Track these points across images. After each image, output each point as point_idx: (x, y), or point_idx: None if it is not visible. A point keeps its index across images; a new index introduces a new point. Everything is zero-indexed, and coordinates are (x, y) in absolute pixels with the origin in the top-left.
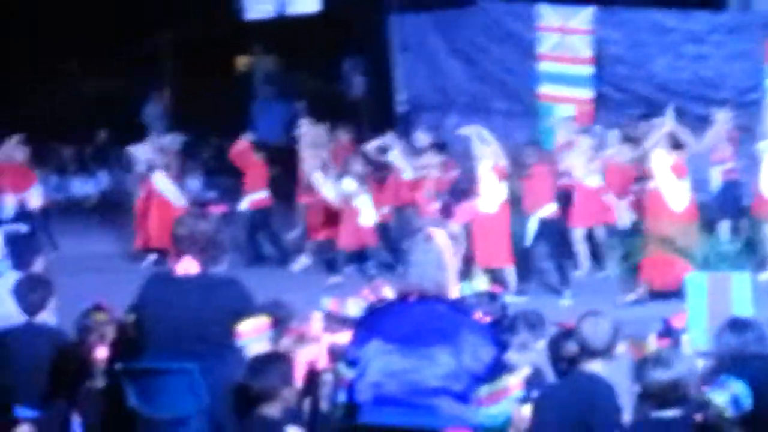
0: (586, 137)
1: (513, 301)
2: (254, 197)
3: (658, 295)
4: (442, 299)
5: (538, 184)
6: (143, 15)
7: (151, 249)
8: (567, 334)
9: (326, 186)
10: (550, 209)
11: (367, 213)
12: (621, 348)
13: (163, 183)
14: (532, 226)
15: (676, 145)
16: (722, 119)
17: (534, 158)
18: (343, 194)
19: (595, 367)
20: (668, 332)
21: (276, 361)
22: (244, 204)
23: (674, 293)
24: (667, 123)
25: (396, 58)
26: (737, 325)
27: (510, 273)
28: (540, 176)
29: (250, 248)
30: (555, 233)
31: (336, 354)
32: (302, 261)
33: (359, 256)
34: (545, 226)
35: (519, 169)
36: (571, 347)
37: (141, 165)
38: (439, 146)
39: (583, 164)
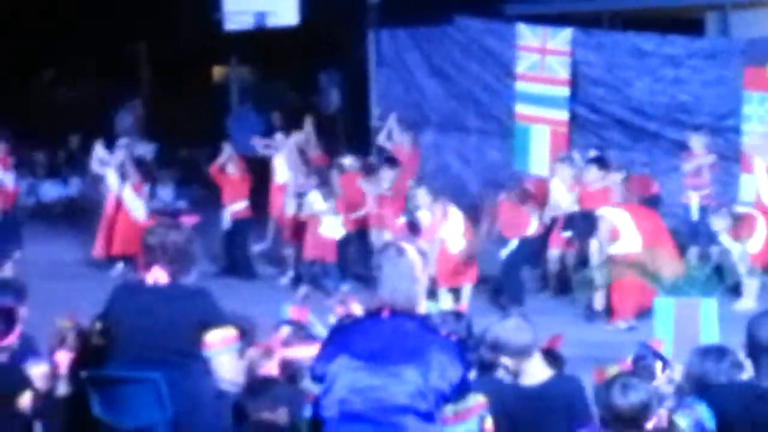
0: (565, 166)
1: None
2: (235, 207)
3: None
4: (411, 316)
5: (511, 215)
6: (120, 23)
7: (109, 257)
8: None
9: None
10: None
11: (330, 226)
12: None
13: (129, 196)
14: (511, 246)
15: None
16: (698, 145)
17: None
18: (309, 207)
19: (535, 369)
20: (646, 357)
21: (271, 385)
22: (227, 216)
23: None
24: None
25: (373, 73)
26: (715, 352)
27: (467, 290)
28: (511, 210)
29: (227, 259)
30: (529, 252)
31: (290, 369)
32: (289, 275)
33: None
34: (524, 244)
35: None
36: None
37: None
38: (391, 160)
39: (564, 194)
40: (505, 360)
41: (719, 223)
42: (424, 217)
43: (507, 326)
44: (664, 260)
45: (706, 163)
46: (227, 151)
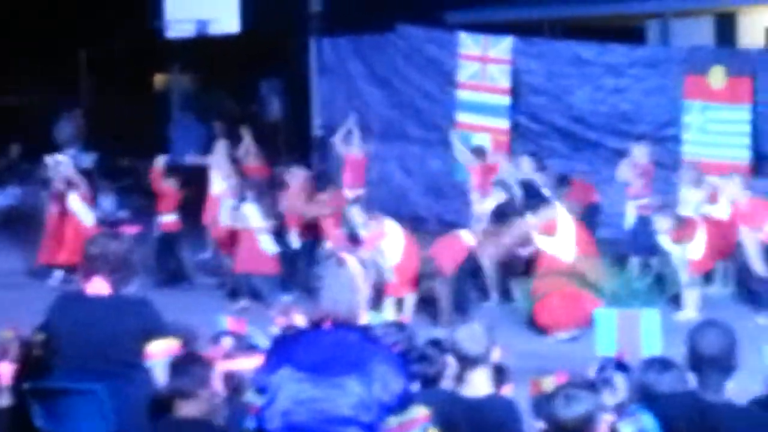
0: (500, 191)
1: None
2: (165, 219)
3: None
4: (354, 328)
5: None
6: (60, 30)
7: (53, 266)
8: (435, 343)
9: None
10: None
11: (266, 240)
12: (496, 354)
13: (76, 204)
14: None
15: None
16: (639, 153)
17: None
18: (243, 218)
19: (479, 381)
20: (606, 368)
21: (192, 363)
22: (156, 226)
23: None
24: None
25: (315, 82)
26: (658, 363)
27: (410, 299)
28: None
29: (160, 270)
30: (469, 265)
31: (232, 381)
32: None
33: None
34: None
35: None
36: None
37: (57, 178)
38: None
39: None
40: (451, 362)
41: (662, 223)
42: (362, 233)
43: (463, 332)
44: (599, 270)
45: (635, 172)
46: (160, 161)
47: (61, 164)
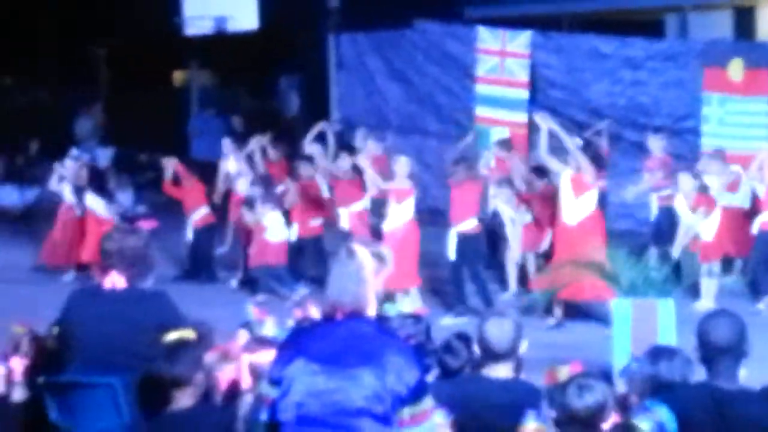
0: (504, 189)
1: (452, 322)
2: (197, 216)
3: (577, 319)
4: (367, 319)
5: (463, 196)
6: (79, 26)
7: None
8: (462, 337)
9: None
10: (470, 224)
11: (275, 230)
12: (523, 347)
13: (93, 201)
14: (452, 239)
15: (588, 162)
16: (656, 147)
17: (464, 172)
18: (252, 216)
19: (501, 370)
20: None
21: (187, 347)
22: (189, 226)
23: (595, 317)
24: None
25: (333, 78)
26: (666, 352)
27: (415, 293)
28: (466, 189)
29: (190, 265)
30: (472, 250)
31: (257, 374)
32: (239, 277)
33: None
34: (465, 242)
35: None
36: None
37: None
38: (350, 149)
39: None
40: (476, 351)
41: (686, 183)
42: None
43: (492, 326)
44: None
45: (654, 165)
46: (169, 165)
47: (66, 169)
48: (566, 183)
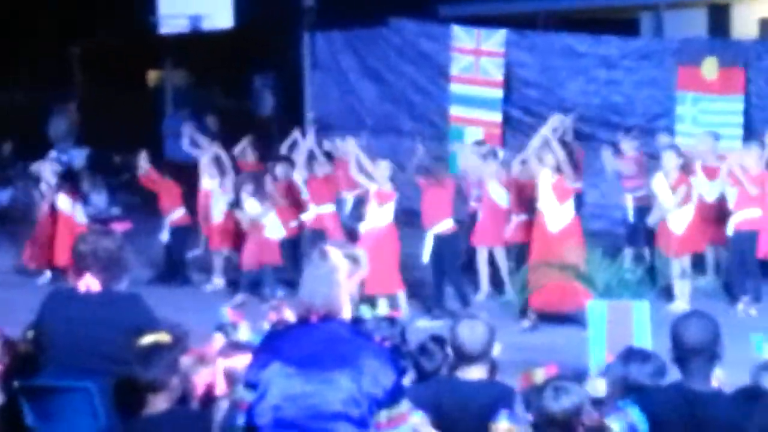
0: (491, 162)
1: (428, 325)
2: (174, 216)
3: (552, 321)
4: (343, 322)
5: (437, 197)
6: (53, 25)
7: (42, 268)
8: (437, 339)
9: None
10: (446, 225)
11: (273, 229)
12: (497, 349)
13: (65, 203)
14: (428, 242)
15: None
16: (627, 147)
17: (437, 173)
18: (248, 216)
19: (474, 374)
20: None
21: (162, 350)
22: (166, 226)
23: (569, 320)
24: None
25: (308, 77)
26: (638, 354)
27: (401, 298)
28: (439, 191)
29: (165, 266)
30: (451, 252)
31: (232, 379)
32: (216, 282)
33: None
34: (442, 243)
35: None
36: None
37: (45, 183)
38: (329, 155)
39: (494, 182)
40: (449, 353)
41: (670, 160)
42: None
43: (464, 328)
44: (589, 261)
45: (629, 165)
46: (141, 159)
47: (43, 170)
48: (547, 188)
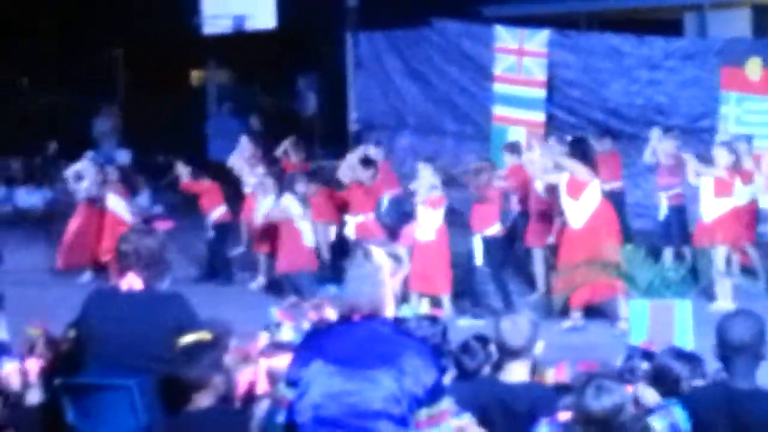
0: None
1: (471, 324)
2: (215, 214)
3: (595, 319)
4: (384, 320)
5: (486, 203)
6: (97, 27)
7: (81, 266)
8: (480, 338)
9: (262, 204)
10: (494, 229)
11: (308, 234)
12: (539, 348)
13: (114, 201)
14: (477, 245)
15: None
16: (667, 145)
17: (486, 178)
18: (283, 212)
19: (517, 370)
20: (633, 357)
21: (206, 349)
22: (208, 224)
23: (606, 316)
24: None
25: (351, 77)
26: (677, 354)
27: (446, 300)
28: (489, 197)
29: (208, 265)
30: (498, 253)
31: (274, 378)
32: (259, 280)
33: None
34: (489, 245)
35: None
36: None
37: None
38: (367, 161)
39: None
40: (493, 351)
41: (722, 156)
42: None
43: (507, 323)
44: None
45: (666, 161)
46: (182, 170)
47: (83, 172)
48: (562, 189)
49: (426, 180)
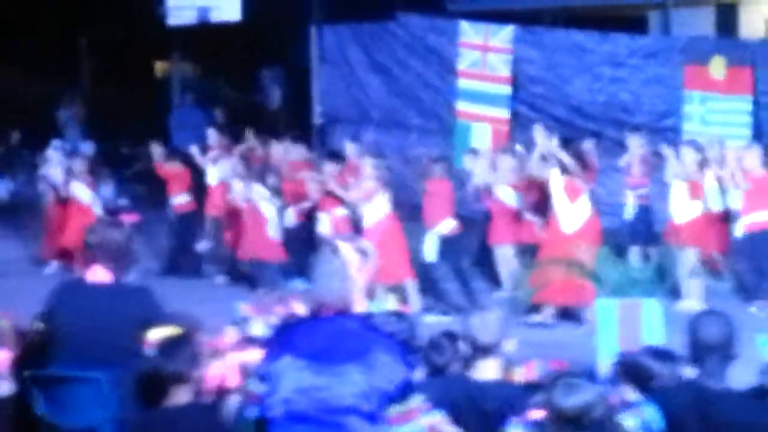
0: (507, 157)
1: (438, 320)
2: (177, 201)
3: (565, 318)
4: (354, 316)
5: (437, 196)
6: (61, 16)
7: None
8: (448, 335)
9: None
10: (448, 225)
11: (273, 225)
12: (509, 345)
13: (81, 191)
14: (429, 242)
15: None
16: (634, 144)
17: (436, 173)
18: (252, 200)
19: (488, 368)
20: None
21: (182, 343)
22: (170, 210)
23: (572, 316)
24: (538, 141)
25: (315, 70)
26: (655, 353)
27: (411, 287)
28: (440, 192)
29: (171, 255)
30: (454, 250)
31: (245, 373)
32: (225, 274)
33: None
34: (445, 242)
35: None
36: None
37: (53, 170)
38: (335, 155)
39: (503, 183)
40: (462, 348)
41: (689, 155)
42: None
43: (476, 320)
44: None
45: (633, 162)
46: (155, 148)
47: (52, 160)
48: (559, 189)
49: (365, 172)
